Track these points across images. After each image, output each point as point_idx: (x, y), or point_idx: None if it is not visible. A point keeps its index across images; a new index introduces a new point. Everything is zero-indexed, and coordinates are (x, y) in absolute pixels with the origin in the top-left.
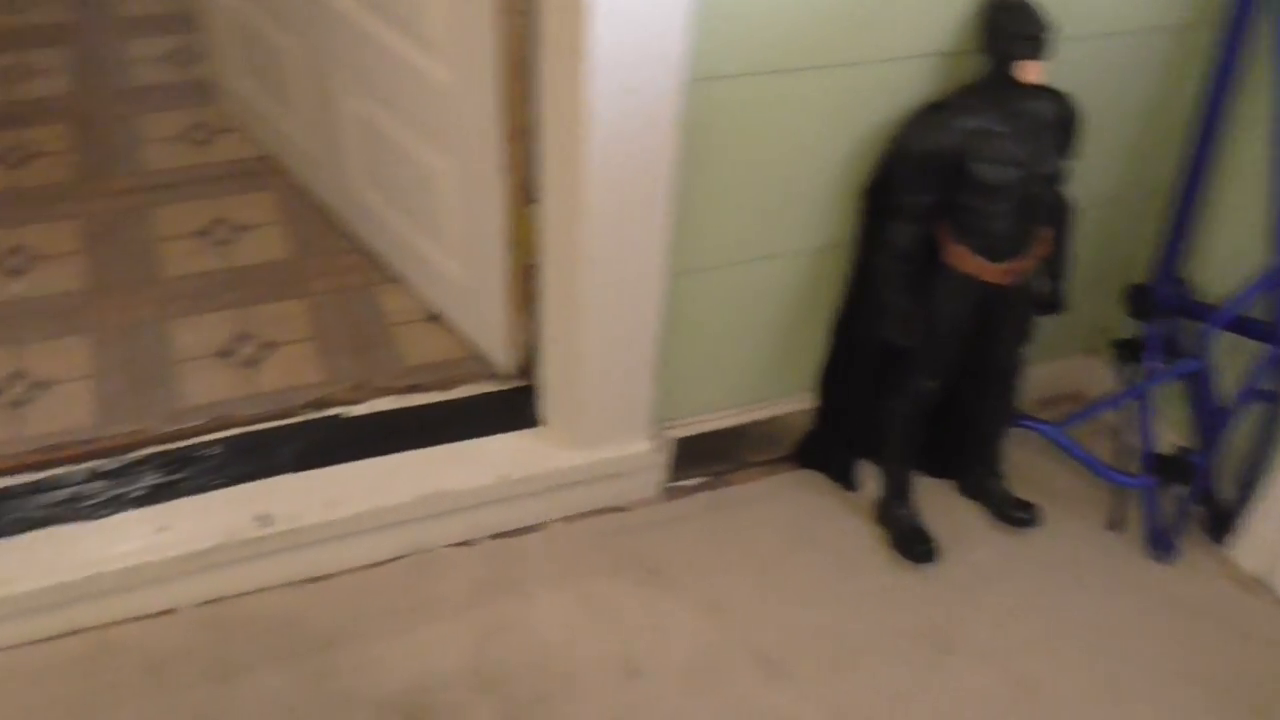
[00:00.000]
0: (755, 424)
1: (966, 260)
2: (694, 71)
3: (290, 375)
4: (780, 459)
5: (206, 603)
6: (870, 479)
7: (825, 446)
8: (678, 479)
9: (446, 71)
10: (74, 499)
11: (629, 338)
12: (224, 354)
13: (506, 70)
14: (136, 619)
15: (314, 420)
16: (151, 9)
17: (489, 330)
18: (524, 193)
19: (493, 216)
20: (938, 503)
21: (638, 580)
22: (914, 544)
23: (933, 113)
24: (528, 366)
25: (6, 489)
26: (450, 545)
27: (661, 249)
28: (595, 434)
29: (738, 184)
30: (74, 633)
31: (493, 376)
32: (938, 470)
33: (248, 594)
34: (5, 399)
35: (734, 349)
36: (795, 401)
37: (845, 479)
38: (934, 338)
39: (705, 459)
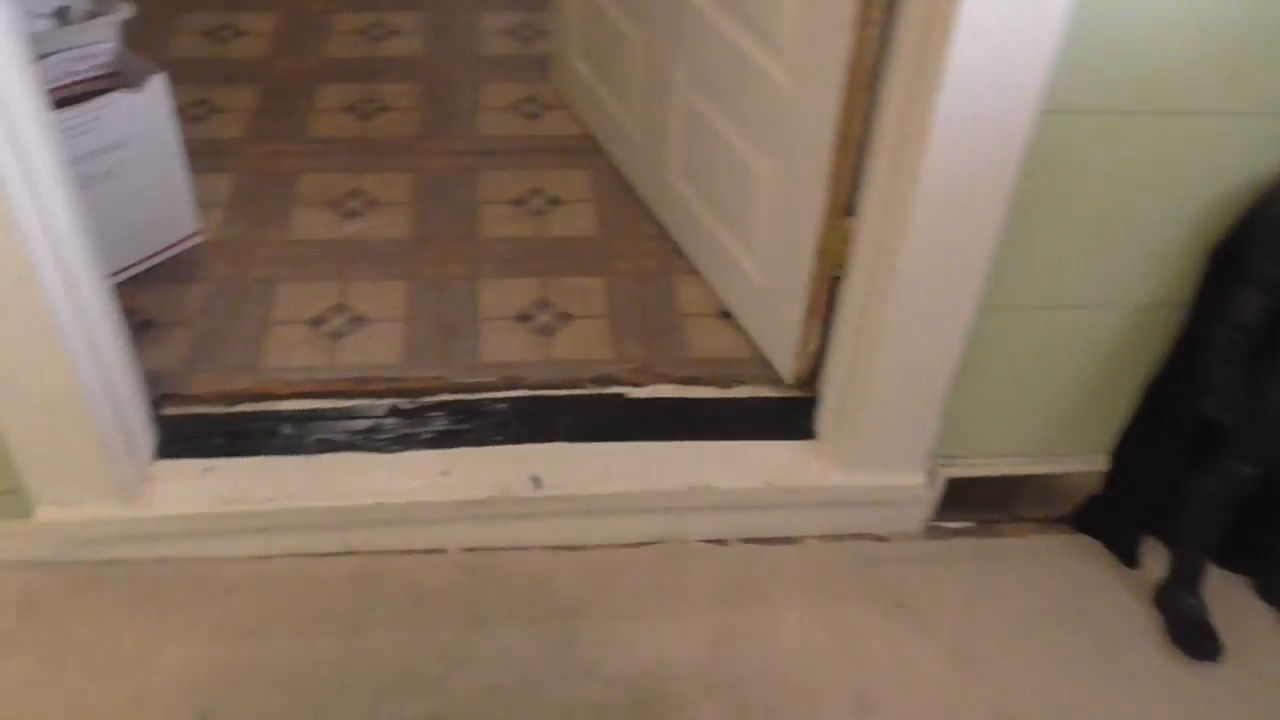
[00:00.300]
0: (1036, 477)
1: None
2: (1049, 103)
3: (580, 348)
4: (1056, 519)
5: (470, 549)
6: (1154, 558)
7: (1110, 515)
8: (943, 518)
9: (789, 77)
10: (372, 430)
11: (924, 366)
12: (523, 318)
13: (850, 81)
14: (406, 552)
15: (596, 395)
16: None
17: (778, 336)
18: (842, 204)
19: (806, 224)
20: (1228, 598)
21: (886, 614)
22: (1196, 638)
23: None
24: (810, 378)
25: (316, 411)
26: (704, 541)
27: (979, 281)
28: (869, 458)
29: (1073, 225)
30: (350, 553)
31: (774, 382)
32: (1235, 564)
33: (508, 549)
34: (328, 328)
35: (1030, 395)
36: (1084, 461)
37: (1126, 553)
38: (1263, 420)
39: (976, 504)
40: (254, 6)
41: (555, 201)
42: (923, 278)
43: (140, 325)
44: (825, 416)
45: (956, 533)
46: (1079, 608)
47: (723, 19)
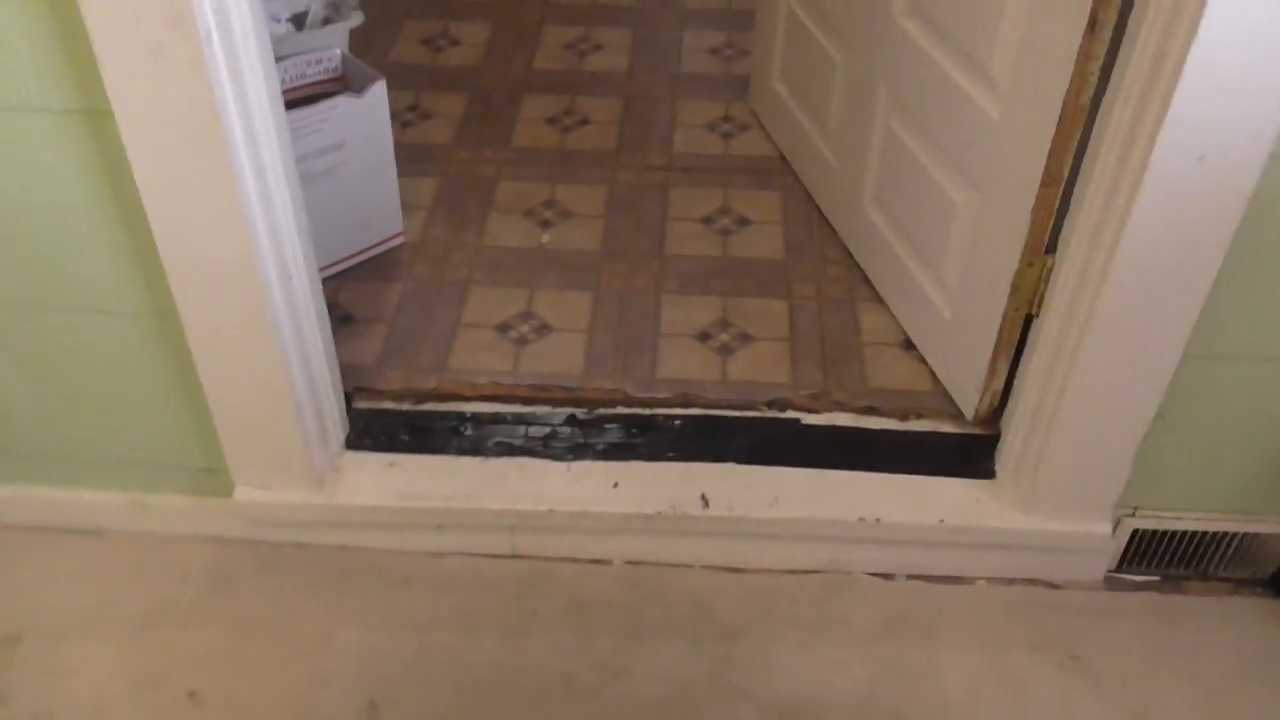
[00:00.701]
0: (1233, 535)
1: None
2: None
3: (757, 370)
4: (1250, 581)
5: (634, 562)
6: None
7: None
8: (1125, 570)
9: (999, 107)
10: (549, 437)
11: (1118, 413)
12: (702, 336)
13: (1064, 116)
14: (572, 560)
15: (770, 418)
16: (712, 3)
17: (962, 371)
18: (1042, 241)
19: (1002, 260)
20: None
21: (1057, 664)
22: None
23: None
24: (993, 416)
25: (497, 414)
26: (870, 574)
27: (1186, 328)
28: (1050, 502)
29: None
30: (518, 557)
31: (954, 418)
32: None
33: (671, 565)
34: (514, 334)
35: (1233, 450)
36: None
37: None
38: None
39: (1163, 558)
40: (471, 16)
41: (743, 221)
42: (1125, 322)
43: (340, 320)
44: (1006, 457)
45: (1138, 586)
46: (1269, 676)
47: (932, 46)
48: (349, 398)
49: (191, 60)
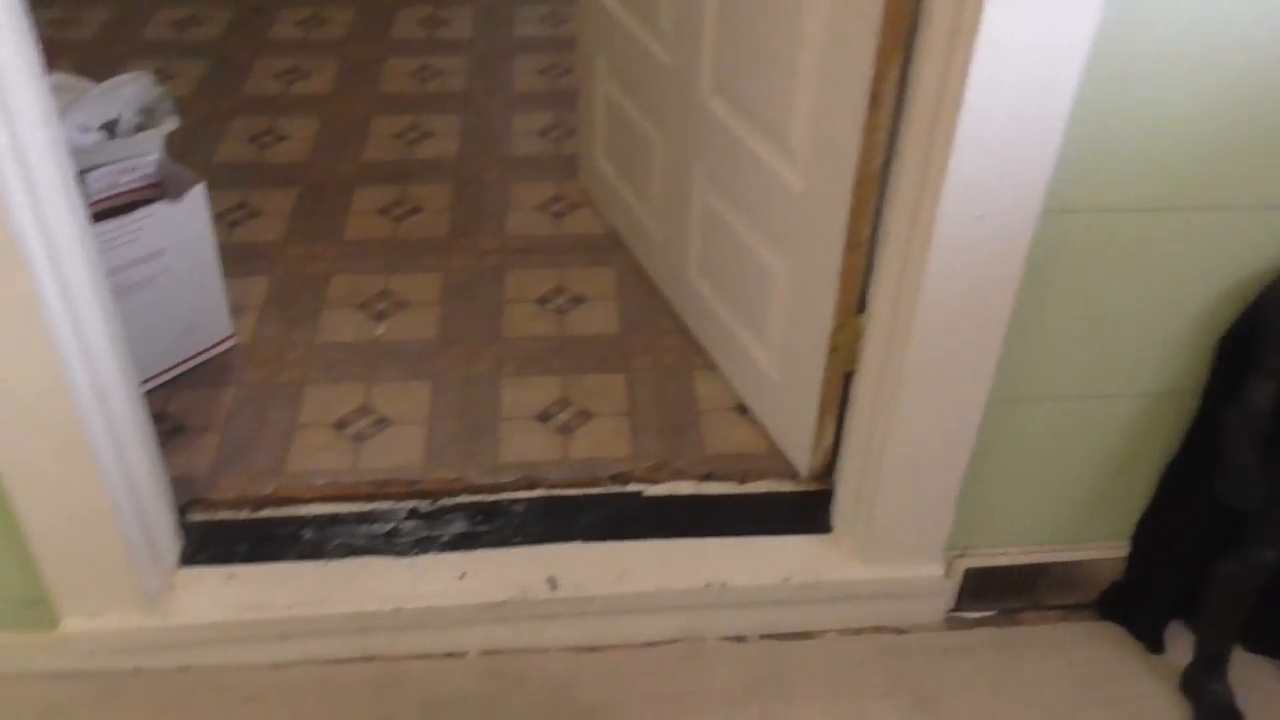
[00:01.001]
0: (1057, 565)
1: None
2: (1050, 203)
3: (599, 446)
4: (1079, 605)
5: (490, 652)
6: (1179, 643)
7: (1133, 600)
8: (965, 608)
9: (800, 179)
10: (392, 534)
11: (937, 459)
12: (543, 417)
13: (859, 184)
14: (426, 656)
15: (613, 494)
16: (538, 86)
17: (793, 431)
18: (853, 302)
19: (818, 322)
20: (1257, 682)
21: (909, 707)
22: None
23: None
24: (826, 471)
25: (337, 515)
26: (723, 638)
27: (987, 375)
28: (886, 551)
29: (1080, 319)
30: (368, 659)
31: (790, 476)
32: (1262, 646)
33: (526, 651)
34: (351, 431)
35: (1046, 484)
36: (1106, 548)
37: (1151, 638)
38: None
39: (996, 593)
40: (298, 111)
41: (578, 299)
42: (931, 372)
43: (170, 431)
44: (841, 510)
45: (978, 623)
46: (1104, 697)
47: (739, 123)
48: (182, 511)
49: None
